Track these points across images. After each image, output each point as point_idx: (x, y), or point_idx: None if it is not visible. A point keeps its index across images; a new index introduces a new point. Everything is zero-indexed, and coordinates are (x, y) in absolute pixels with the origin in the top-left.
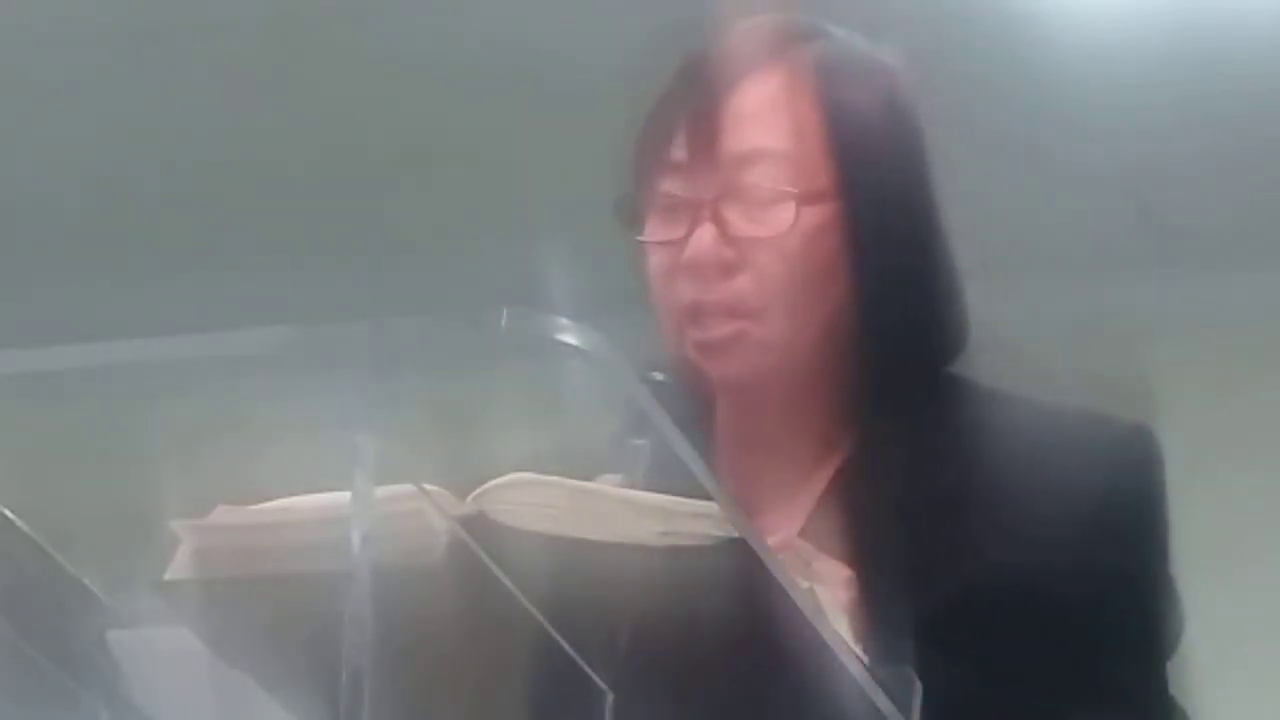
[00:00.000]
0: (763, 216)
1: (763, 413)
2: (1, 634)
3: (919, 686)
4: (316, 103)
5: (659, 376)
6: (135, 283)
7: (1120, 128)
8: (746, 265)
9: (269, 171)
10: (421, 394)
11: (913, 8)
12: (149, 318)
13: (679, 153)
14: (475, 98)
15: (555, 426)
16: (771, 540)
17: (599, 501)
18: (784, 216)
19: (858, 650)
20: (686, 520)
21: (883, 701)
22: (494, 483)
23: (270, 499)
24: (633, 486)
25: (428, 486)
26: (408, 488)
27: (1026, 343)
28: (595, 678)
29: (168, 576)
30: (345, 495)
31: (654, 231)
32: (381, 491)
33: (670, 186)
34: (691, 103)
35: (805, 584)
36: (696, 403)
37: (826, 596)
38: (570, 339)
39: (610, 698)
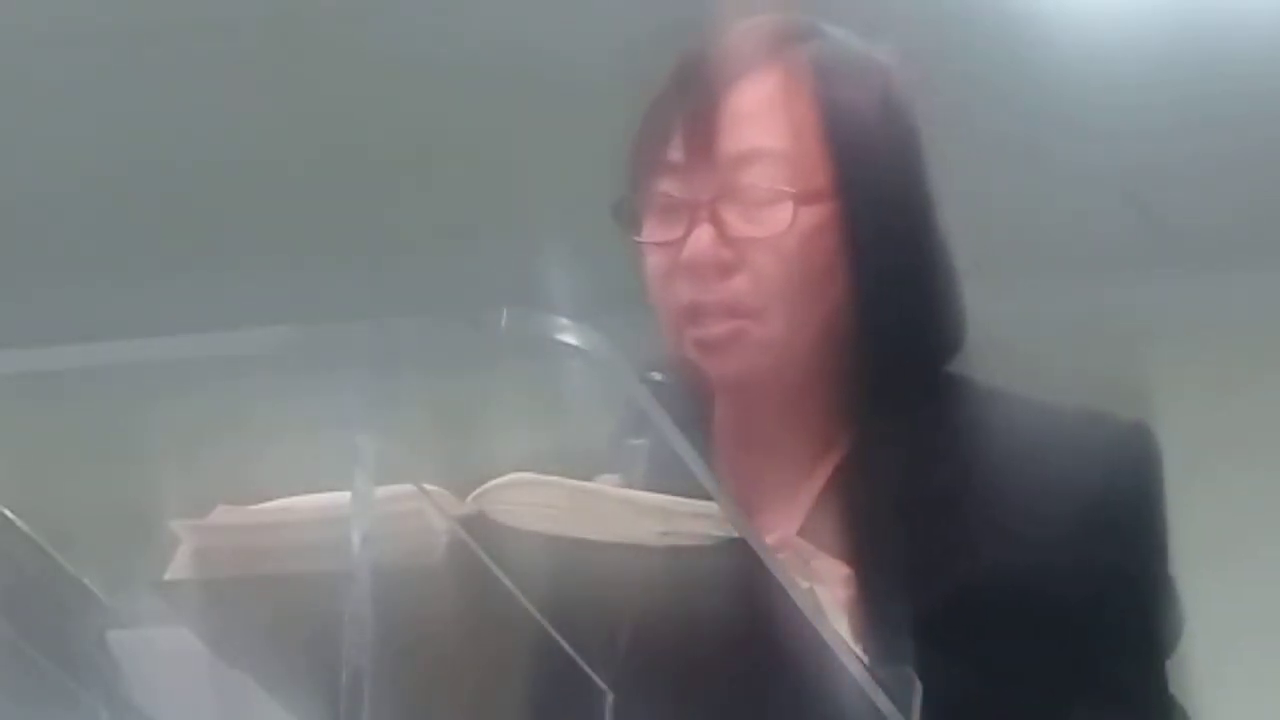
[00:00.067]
0: (760, 216)
1: (761, 412)
2: (1, 634)
3: (919, 686)
4: (316, 103)
5: (658, 376)
6: (135, 283)
7: (1120, 128)
8: (744, 265)
9: (269, 171)
10: (421, 394)
11: (913, 8)
12: (149, 318)
13: (676, 153)
14: (475, 98)
15: (555, 426)
16: (770, 539)
17: (599, 501)
18: (781, 216)
19: (858, 650)
20: (686, 520)
21: (883, 701)
22: (494, 483)
23: (270, 499)
24: (631, 487)
25: (428, 486)
26: (408, 488)
27: (1026, 343)
28: (595, 678)
29: (168, 576)
30: (345, 495)
31: (652, 232)
32: (381, 491)
33: (668, 187)
34: (688, 103)
35: (805, 584)
36: (696, 402)
37: (825, 595)
38: (570, 339)
39: (610, 698)
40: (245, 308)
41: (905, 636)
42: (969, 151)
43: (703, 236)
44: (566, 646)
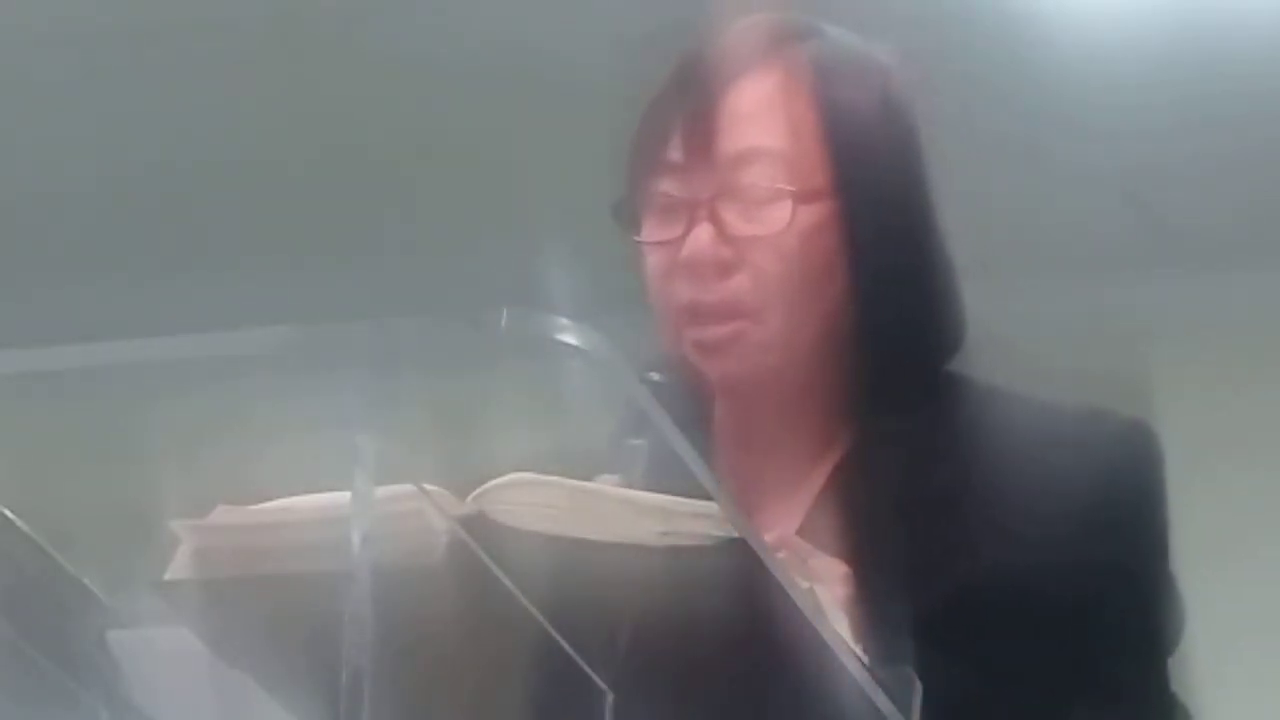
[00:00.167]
0: (759, 216)
1: (761, 411)
2: (1, 634)
3: (919, 686)
4: (316, 103)
5: (658, 376)
6: (135, 283)
7: (1120, 128)
8: (744, 264)
9: (269, 171)
10: (421, 394)
11: (913, 8)
12: (149, 318)
13: (675, 153)
14: (475, 98)
15: (555, 426)
16: (768, 537)
17: (599, 501)
18: (781, 215)
19: (857, 650)
20: (686, 520)
21: (883, 701)
22: (494, 483)
23: (270, 499)
24: (631, 486)
25: (428, 486)
26: (408, 488)
27: (1026, 342)
28: (595, 678)
29: (168, 576)
30: (345, 495)
31: (651, 232)
32: (381, 491)
33: (667, 187)
34: (687, 103)
35: (804, 583)
36: (696, 402)
37: (824, 594)
38: (570, 339)
39: (610, 698)
40: (245, 308)
41: (905, 636)
42: (969, 151)
43: (702, 236)
44: (566, 646)
